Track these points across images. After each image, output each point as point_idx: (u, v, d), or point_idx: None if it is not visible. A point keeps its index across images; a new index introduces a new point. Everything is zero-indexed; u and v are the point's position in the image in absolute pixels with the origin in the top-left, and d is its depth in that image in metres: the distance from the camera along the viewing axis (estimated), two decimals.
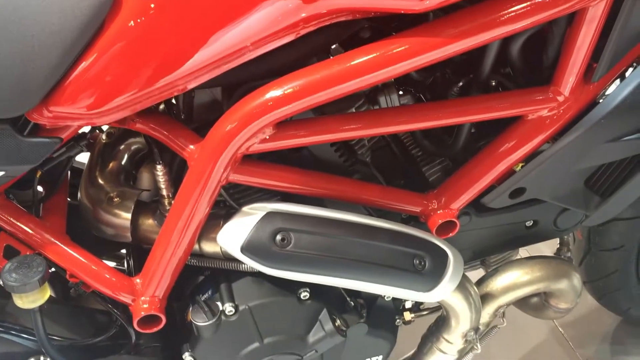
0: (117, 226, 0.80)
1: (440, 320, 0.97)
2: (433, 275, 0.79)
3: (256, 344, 0.81)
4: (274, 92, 0.65)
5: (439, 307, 1.06)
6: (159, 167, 0.76)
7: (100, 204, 0.81)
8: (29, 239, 0.76)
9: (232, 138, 0.67)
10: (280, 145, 0.72)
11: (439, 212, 0.83)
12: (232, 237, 0.75)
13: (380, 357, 0.97)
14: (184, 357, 0.82)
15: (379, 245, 0.76)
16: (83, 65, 0.61)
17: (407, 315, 0.98)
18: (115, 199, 0.81)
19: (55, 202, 0.82)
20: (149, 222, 0.81)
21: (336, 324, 0.83)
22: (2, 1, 0.58)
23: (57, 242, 0.77)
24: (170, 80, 0.63)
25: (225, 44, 0.62)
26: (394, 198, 0.83)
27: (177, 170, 0.80)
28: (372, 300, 0.91)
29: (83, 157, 0.87)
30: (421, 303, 1.02)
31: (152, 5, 0.60)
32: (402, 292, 0.80)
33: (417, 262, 0.78)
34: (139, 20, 0.60)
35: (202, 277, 0.85)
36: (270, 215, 0.75)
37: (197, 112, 0.81)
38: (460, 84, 0.80)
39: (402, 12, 0.61)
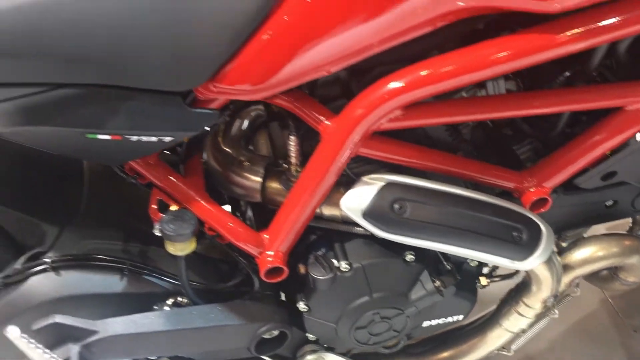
0: (249, 188, 0.90)
1: (522, 285, 1.07)
2: (528, 246, 0.88)
3: (366, 298, 0.92)
4: (406, 79, 0.74)
5: (511, 274, 1.16)
6: (292, 137, 0.85)
7: (229, 167, 0.91)
8: (177, 195, 0.87)
9: (366, 117, 0.76)
10: (405, 124, 0.80)
11: (532, 189, 0.91)
12: (355, 203, 0.84)
13: (462, 316, 1.07)
14: (298, 305, 0.93)
15: (484, 217, 0.85)
16: (250, 47, 0.70)
17: (484, 280, 1.08)
18: (245, 163, 0.91)
19: (194, 162, 0.92)
20: (275, 186, 0.91)
21: (435, 284, 0.93)
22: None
23: (199, 198, 0.87)
24: (324, 63, 0.72)
25: (374, 33, 0.71)
26: (493, 174, 0.91)
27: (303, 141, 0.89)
28: (459, 264, 1.00)
29: None
30: (495, 269, 1.11)
31: None
32: (498, 259, 0.88)
33: (516, 234, 0.86)
34: (303, 8, 0.68)
35: (315, 236, 0.95)
36: (389, 185, 0.84)
37: (320, 88, 0.90)
38: (567, 74, 0.87)
39: (538, 12, 0.68)
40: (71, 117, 0.71)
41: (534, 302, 1.04)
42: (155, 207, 0.85)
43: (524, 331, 1.10)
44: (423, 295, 0.93)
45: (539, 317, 1.08)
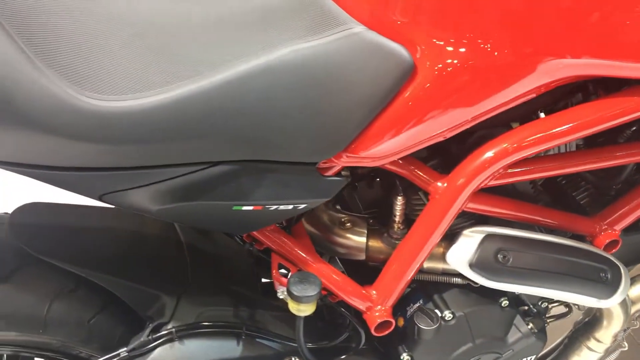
0: (353, 247, 0.96)
1: (592, 321, 1.14)
2: (613, 285, 0.96)
3: (469, 345, 0.98)
4: (514, 140, 0.82)
5: (565, 313, 1.24)
6: (399, 198, 0.92)
7: (332, 229, 0.97)
8: (294, 258, 0.92)
9: (477, 176, 0.84)
10: (505, 181, 0.88)
11: (604, 232, 1.00)
12: (461, 256, 0.91)
13: (534, 356, 1.14)
14: (402, 357, 0.98)
15: (576, 261, 0.93)
16: (382, 119, 0.77)
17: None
18: (348, 224, 0.97)
19: (299, 226, 0.98)
20: (378, 245, 0.97)
21: (529, 326, 1.00)
22: (333, 69, 0.73)
23: (313, 260, 0.92)
24: (444, 130, 0.80)
25: (489, 105, 0.79)
26: (571, 221, 1.00)
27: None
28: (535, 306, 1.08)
29: None
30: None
31: (443, 77, 0.76)
32: (587, 299, 0.96)
33: (602, 274, 0.95)
34: (428, 88, 0.76)
35: (409, 288, 1.01)
36: (490, 237, 0.91)
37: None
38: (634, 128, 0.97)
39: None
40: (222, 191, 0.76)
41: (605, 337, 1.12)
42: (276, 271, 0.90)
43: None
44: (519, 338, 1.00)
45: (607, 352, 1.15)
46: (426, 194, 0.91)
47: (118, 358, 0.87)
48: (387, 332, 0.95)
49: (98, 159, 0.67)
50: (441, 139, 0.82)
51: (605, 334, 1.11)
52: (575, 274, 0.93)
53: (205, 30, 0.74)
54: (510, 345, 1.01)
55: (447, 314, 0.96)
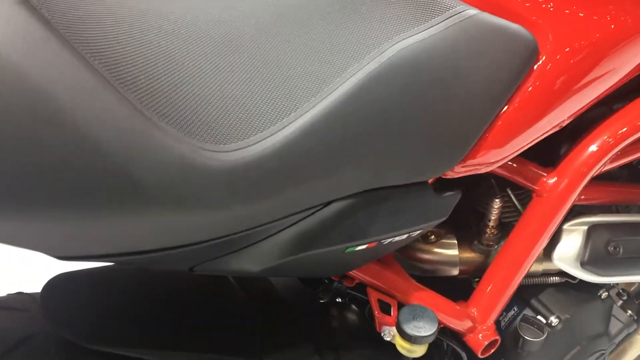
0: (444, 262, 0.84)
1: None
2: None
3: (577, 348, 0.88)
4: (629, 120, 0.73)
5: None
6: (497, 200, 0.80)
7: (417, 246, 0.84)
8: (392, 289, 0.78)
9: (595, 165, 0.74)
10: (610, 167, 0.79)
11: None
12: (569, 254, 0.81)
13: None
14: None
15: None
16: (504, 118, 0.65)
17: None
18: (432, 237, 0.84)
19: None
20: (469, 255, 0.85)
21: (627, 314, 0.92)
22: (450, 63, 0.59)
23: (410, 287, 0.79)
24: (562, 120, 0.68)
25: (613, 80, 0.69)
26: None
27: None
28: None
29: None
30: None
31: (572, 57, 0.64)
32: None
33: None
34: (557, 72, 0.65)
35: None
36: (595, 228, 0.82)
37: None
38: None
39: None
40: (335, 234, 0.61)
41: None
42: (379, 311, 0.75)
43: None
44: (621, 329, 0.92)
45: None
46: (521, 194, 0.80)
47: None
48: (493, 350, 0.84)
49: (210, 228, 0.49)
50: (558, 129, 0.71)
51: None
52: None
53: (293, 34, 0.57)
54: (614, 338, 0.93)
55: (553, 320, 0.86)
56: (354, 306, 0.83)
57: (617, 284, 0.95)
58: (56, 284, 0.71)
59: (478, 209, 0.84)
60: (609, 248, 0.81)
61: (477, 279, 0.87)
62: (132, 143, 0.39)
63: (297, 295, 0.85)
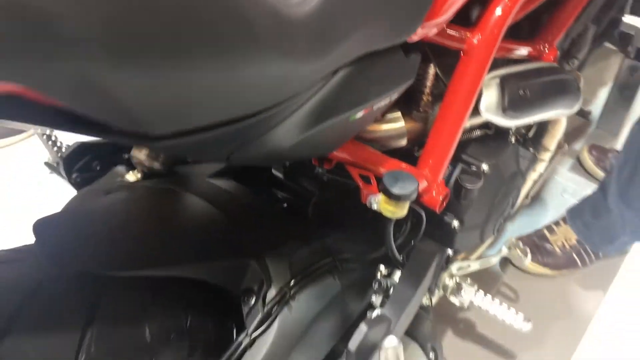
0: (395, 136, 0.90)
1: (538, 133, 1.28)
2: (578, 93, 1.09)
3: (504, 188, 1.02)
4: None
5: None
6: (431, 65, 0.88)
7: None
8: (368, 164, 0.83)
9: (508, 17, 0.85)
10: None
11: (547, 50, 1.11)
12: (493, 103, 0.93)
13: None
14: (452, 225, 0.98)
15: (561, 79, 1.03)
16: None
17: None
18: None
19: None
20: (412, 124, 0.93)
21: (530, 150, 1.09)
22: None
23: (378, 157, 0.85)
24: None
25: None
26: (528, 46, 1.09)
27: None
28: None
29: None
30: None
31: None
32: (566, 111, 1.08)
33: (574, 85, 1.06)
34: None
35: None
36: (505, 79, 0.94)
37: None
38: None
39: None
40: (343, 101, 0.64)
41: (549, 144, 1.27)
42: (363, 182, 0.80)
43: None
44: (528, 164, 1.08)
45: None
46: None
47: (243, 345, 0.72)
48: (444, 205, 0.94)
49: (287, 86, 0.50)
50: None
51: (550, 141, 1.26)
52: (564, 89, 1.03)
53: None
54: (525, 174, 1.08)
55: (484, 167, 0.98)
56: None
57: (517, 129, 1.10)
58: (43, 226, 0.65)
59: None
60: (519, 92, 0.94)
61: (417, 147, 0.96)
62: None
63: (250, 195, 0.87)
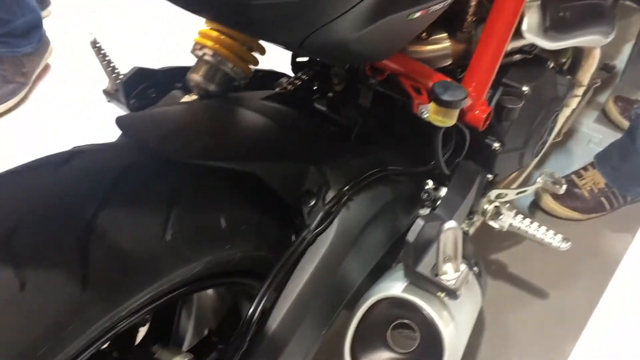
0: (440, 56, 0.94)
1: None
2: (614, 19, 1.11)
3: (544, 111, 1.05)
4: None
5: None
6: None
7: (412, 47, 0.93)
8: (420, 77, 0.87)
9: None
10: None
11: None
12: (534, 25, 0.96)
13: None
14: (493, 147, 1.02)
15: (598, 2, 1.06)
16: None
17: None
18: (424, 35, 0.93)
19: None
20: (457, 45, 0.96)
21: (568, 77, 1.12)
22: None
23: (427, 70, 0.89)
24: None
25: None
26: None
27: None
28: None
29: None
30: None
31: None
32: (602, 39, 1.10)
33: (611, 10, 1.09)
34: None
35: None
36: (545, 1, 0.97)
37: None
38: None
39: None
40: None
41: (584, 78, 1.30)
42: (415, 93, 0.84)
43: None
44: (566, 91, 1.11)
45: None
46: None
47: (306, 241, 0.76)
48: (487, 124, 0.97)
49: None
50: None
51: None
52: (602, 14, 1.06)
53: None
54: (562, 100, 1.12)
55: (525, 89, 1.01)
56: None
57: (555, 57, 1.13)
58: (127, 120, 0.70)
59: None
60: (560, 14, 0.97)
61: (459, 69, 0.99)
62: None
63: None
